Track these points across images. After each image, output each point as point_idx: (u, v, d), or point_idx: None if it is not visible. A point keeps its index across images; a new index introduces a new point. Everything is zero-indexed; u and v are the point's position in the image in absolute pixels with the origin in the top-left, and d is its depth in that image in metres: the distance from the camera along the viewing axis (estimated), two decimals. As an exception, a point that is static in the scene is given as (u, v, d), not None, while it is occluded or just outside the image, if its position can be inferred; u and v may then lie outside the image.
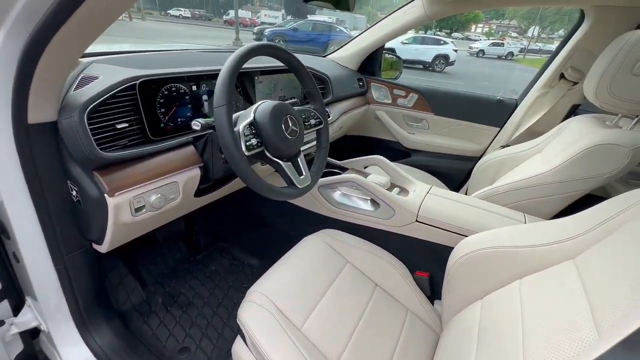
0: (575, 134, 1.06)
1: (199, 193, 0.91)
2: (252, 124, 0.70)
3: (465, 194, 1.58)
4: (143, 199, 0.74)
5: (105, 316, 0.98)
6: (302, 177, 0.79)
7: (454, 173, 1.74)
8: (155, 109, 0.78)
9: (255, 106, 0.74)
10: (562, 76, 1.35)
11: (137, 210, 0.74)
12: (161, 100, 0.79)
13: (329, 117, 1.35)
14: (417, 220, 0.98)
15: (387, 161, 1.21)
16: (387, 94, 1.80)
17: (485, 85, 9.75)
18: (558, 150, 1.08)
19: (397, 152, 1.87)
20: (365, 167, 1.30)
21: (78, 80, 0.70)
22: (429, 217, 0.97)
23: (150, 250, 1.30)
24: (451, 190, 1.59)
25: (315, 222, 1.15)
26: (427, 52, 11.87)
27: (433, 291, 1.01)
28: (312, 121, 0.86)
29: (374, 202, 1.07)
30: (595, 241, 0.60)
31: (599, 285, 0.52)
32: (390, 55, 1.92)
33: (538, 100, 1.42)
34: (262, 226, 1.40)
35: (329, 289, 0.88)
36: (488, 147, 1.63)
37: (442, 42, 12.53)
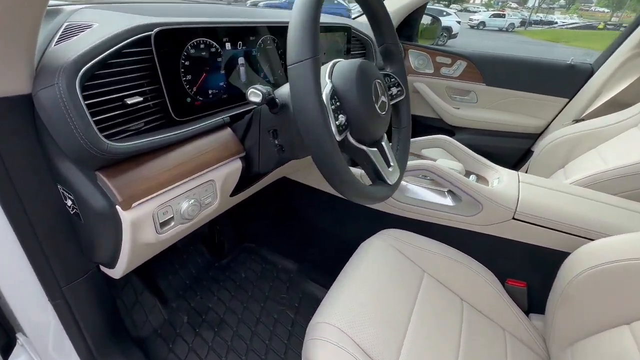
0: None
1: (234, 191, 0.69)
2: (334, 94, 0.47)
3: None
4: (171, 209, 0.51)
5: (121, 348, 0.77)
6: (390, 168, 0.56)
7: (506, 153, 1.52)
8: (179, 76, 0.54)
9: (328, 66, 0.50)
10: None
11: (164, 224, 0.51)
12: (186, 64, 0.54)
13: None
14: (514, 218, 0.77)
15: (455, 142, 0.98)
16: (429, 62, 1.55)
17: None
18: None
19: (437, 131, 1.63)
20: (421, 150, 1.07)
21: (61, 29, 0.46)
22: (532, 213, 0.75)
23: (168, 258, 1.08)
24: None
25: (370, 220, 0.94)
26: (429, 25, 11.32)
27: (530, 304, 0.81)
28: (394, 90, 0.62)
29: (453, 195, 0.85)
30: None
31: None
32: (428, 19, 1.65)
33: (626, 64, 1.18)
34: (297, 222, 1.19)
35: (413, 311, 0.68)
36: (552, 121, 1.40)
37: (444, 13, 11.95)
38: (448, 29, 11.53)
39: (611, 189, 0.85)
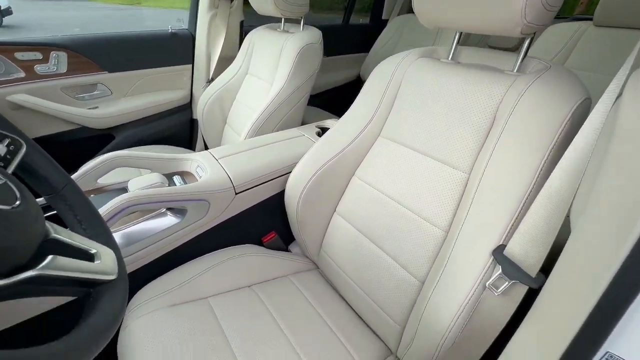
0: (271, 45, 1.16)
1: None
2: None
3: (205, 146, 1.45)
4: None
5: None
6: (98, 261, 0.37)
7: (179, 131, 1.51)
8: None
9: None
10: (219, -5, 1.34)
11: None
12: None
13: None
14: (236, 193, 0.80)
15: (129, 153, 0.82)
16: (6, 64, 1.07)
17: (77, 31, 8.23)
18: (268, 63, 1.17)
19: (92, 142, 1.30)
20: (97, 181, 0.82)
21: None
22: (245, 180, 0.81)
23: None
24: (188, 148, 1.40)
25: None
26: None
27: (288, 242, 0.96)
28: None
29: (174, 211, 0.74)
30: (387, 111, 0.75)
31: (413, 134, 0.68)
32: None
33: (212, 25, 1.37)
34: None
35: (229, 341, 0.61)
36: (192, 89, 1.49)
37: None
38: (-8, 4, 8.50)
39: (270, 126, 1.07)
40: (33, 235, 0.30)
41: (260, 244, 0.90)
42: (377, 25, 2.00)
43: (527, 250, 0.45)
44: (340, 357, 0.65)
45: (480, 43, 1.76)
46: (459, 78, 0.63)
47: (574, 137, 0.41)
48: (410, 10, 1.88)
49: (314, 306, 0.75)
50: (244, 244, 0.87)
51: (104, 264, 0.36)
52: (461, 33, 0.65)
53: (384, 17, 2.03)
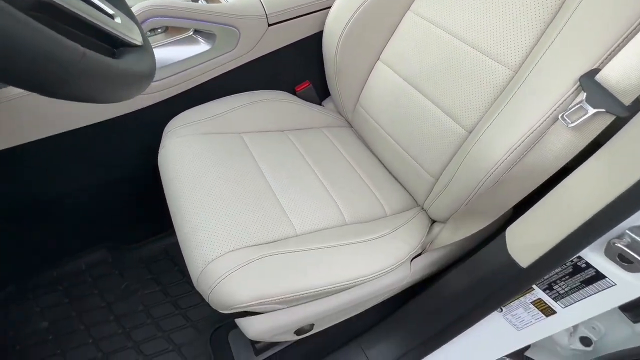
0: None
1: None
2: None
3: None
4: None
5: None
6: (117, 19, 0.32)
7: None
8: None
9: None
10: None
11: None
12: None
13: None
14: (269, 24, 0.71)
15: None
16: None
17: None
18: None
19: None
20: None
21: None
22: (279, 9, 0.70)
23: None
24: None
25: (137, 127, 0.68)
26: None
27: (322, 97, 0.89)
28: None
29: (204, 35, 0.67)
30: None
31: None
32: None
33: None
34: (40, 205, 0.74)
35: (261, 170, 0.63)
36: None
37: None
38: None
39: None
40: None
41: (294, 93, 0.85)
42: None
43: (624, 75, 0.36)
44: (368, 202, 0.66)
45: None
46: None
47: None
48: None
49: (346, 157, 0.74)
50: (277, 90, 0.82)
51: (125, 26, 0.31)
52: None
53: None
